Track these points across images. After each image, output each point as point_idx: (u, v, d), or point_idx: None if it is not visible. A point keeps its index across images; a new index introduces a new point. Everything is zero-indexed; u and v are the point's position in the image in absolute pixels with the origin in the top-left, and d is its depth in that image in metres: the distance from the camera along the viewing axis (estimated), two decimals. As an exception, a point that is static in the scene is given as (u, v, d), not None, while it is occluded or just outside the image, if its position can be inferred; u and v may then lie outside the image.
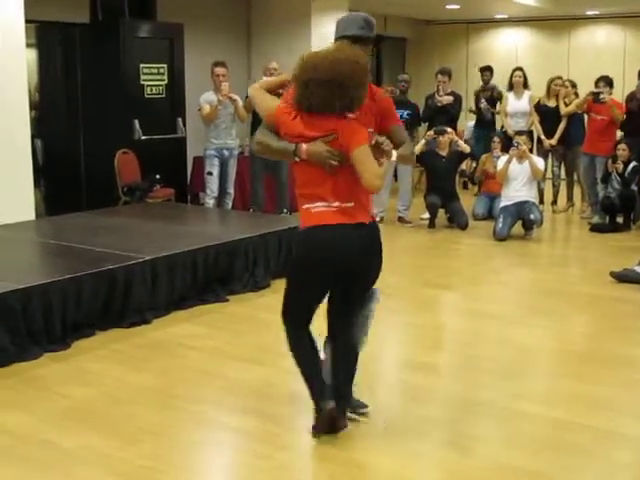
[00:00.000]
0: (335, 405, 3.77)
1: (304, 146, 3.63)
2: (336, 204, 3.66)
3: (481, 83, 11.46)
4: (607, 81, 9.74)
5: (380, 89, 4.13)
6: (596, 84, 9.89)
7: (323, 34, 11.03)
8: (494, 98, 11.10)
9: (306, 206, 3.70)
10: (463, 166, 10.73)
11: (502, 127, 10.65)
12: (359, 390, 4.02)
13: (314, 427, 3.85)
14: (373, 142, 3.70)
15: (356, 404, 4.05)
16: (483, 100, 11.05)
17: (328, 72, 3.57)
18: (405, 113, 9.45)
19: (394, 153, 3.78)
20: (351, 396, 3.96)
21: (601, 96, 9.38)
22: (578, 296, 6.66)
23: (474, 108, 11.50)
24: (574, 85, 10.23)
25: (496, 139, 10.01)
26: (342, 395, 3.85)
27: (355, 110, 3.68)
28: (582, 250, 8.69)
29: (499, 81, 11.16)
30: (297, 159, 3.66)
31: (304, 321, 3.86)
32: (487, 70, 11.43)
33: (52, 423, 4.01)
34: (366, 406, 4.09)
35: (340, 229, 3.64)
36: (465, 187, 11.95)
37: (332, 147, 3.62)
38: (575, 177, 10.37)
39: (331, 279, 3.76)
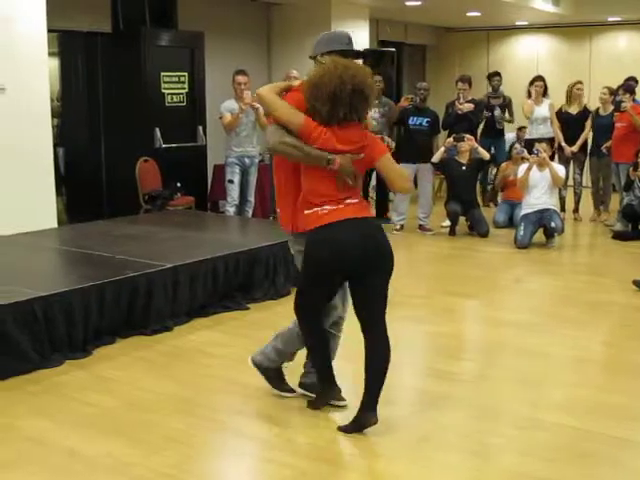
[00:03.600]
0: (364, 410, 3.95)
1: (338, 159, 3.78)
2: (342, 204, 3.87)
3: (489, 89, 11.38)
4: (628, 89, 9.69)
5: None
6: (617, 92, 9.85)
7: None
8: (505, 105, 11.05)
9: (314, 210, 3.87)
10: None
11: (518, 131, 10.57)
12: (381, 396, 4.01)
13: (343, 428, 4.00)
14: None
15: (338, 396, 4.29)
16: (497, 108, 10.98)
17: (354, 81, 3.74)
18: (425, 121, 9.45)
19: None
20: (378, 396, 4.01)
21: (623, 105, 9.34)
22: (600, 304, 6.61)
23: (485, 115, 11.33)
24: (612, 93, 10.09)
25: (517, 147, 9.98)
26: (369, 392, 3.97)
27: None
28: (604, 258, 8.64)
29: (521, 88, 11.10)
30: (328, 168, 3.81)
31: (320, 314, 4.09)
32: (496, 76, 11.33)
33: (74, 431, 4.03)
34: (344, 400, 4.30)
35: (350, 223, 3.84)
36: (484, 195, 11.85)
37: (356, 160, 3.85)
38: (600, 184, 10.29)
39: (348, 271, 3.91)
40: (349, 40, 4.11)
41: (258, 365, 4.42)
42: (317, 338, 4.15)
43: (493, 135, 11.03)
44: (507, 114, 11.14)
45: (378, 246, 3.89)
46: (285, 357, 4.41)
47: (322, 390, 4.25)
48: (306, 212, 3.91)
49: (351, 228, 3.83)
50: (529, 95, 10.30)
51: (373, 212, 4.16)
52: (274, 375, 4.43)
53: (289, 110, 3.89)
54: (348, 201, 3.87)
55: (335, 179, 3.83)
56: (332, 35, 4.21)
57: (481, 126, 11.13)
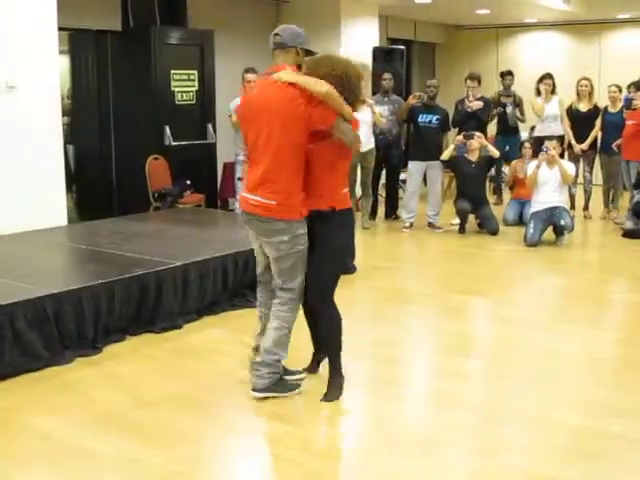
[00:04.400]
0: None
1: None
2: None
3: (501, 87, 11.36)
4: (638, 86, 9.66)
5: None
6: (627, 89, 9.81)
7: (352, 39, 11.07)
8: (517, 103, 11.03)
9: (345, 191, 4.31)
10: (493, 171, 10.71)
11: (531, 131, 10.57)
12: (391, 394, 4.01)
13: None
14: None
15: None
16: (509, 104, 10.97)
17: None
18: (434, 118, 9.43)
19: None
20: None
21: (634, 102, 9.31)
22: (610, 303, 6.60)
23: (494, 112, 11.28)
24: (621, 90, 10.07)
25: (527, 145, 9.97)
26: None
27: None
28: (614, 256, 8.61)
29: (530, 86, 11.08)
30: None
31: None
32: (509, 74, 11.34)
33: (85, 428, 4.04)
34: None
35: None
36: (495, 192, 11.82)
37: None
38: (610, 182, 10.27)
39: None
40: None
41: (266, 389, 4.37)
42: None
43: (508, 133, 11.02)
44: (518, 113, 11.12)
45: None
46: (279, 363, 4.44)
47: (341, 380, 4.39)
48: (344, 191, 4.29)
49: None
50: (538, 93, 10.28)
51: None
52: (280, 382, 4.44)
53: (345, 107, 4.15)
54: None
55: None
56: (302, 32, 4.45)
57: (495, 124, 11.13)
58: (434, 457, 3.75)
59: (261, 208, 4.19)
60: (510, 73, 11.37)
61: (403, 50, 11.81)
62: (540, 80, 10.30)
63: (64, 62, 9.39)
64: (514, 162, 10.09)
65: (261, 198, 4.17)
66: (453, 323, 6.03)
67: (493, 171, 10.79)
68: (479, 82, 10.01)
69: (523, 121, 11.28)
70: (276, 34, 4.31)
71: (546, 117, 10.22)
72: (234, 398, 4.47)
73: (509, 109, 10.91)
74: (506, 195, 11.09)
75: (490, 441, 3.95)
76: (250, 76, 8.65)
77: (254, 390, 4.33)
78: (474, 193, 9.21)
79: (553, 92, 10.23)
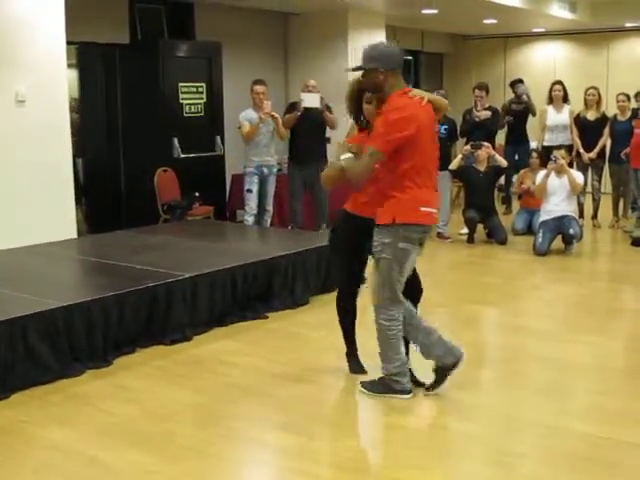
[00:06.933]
0: None
1: None
2: None
3: (512, 96, 11.36)
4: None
5: None
6: (635, 98, 9.79)
7: (360, 51, 11.07)
8: (526, 110, 10.99)
9: None
10: (501, 181, 10.69)
11: (540, 142, 10.56)
12: (403, 405, 4.00)
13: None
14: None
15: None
16: (523, 91, 10.96)
17: None
18: (442, 128, 9.42)
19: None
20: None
21: (640, 111, 9.31)
22: (621, 312, 6.58)
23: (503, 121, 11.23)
24: (629, 98, 10.05)
25: (534, 154, 9.96)
26: None
27: None
28: (624, 265, 8.58)
29: (537, 95, 11.08)
30: None
31: None
32: (519, 83, 11.34)
33: (96, 440, 4.05)
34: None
35: None
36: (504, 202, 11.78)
37: None
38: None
39: None
40: None
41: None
42: None
43: (517, 142, 11.00)
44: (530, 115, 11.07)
45: None
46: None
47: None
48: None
49: None
50: (550, 101, 10.28)
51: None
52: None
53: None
54: None
55: None
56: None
57: (505, 133, 11.11)
58: (447, 467, 3.74)
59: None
60: (521, 81, 11.36)
61: (411, 61, 11.84)
62: (551, 88, 10.32)
63: (72, 75, 9.43)
64: (522, 171, 10.08)
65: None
66: (463, 333, 6.00)
67: (502, 180, 10.78)
68: (487, 92, 10.01)
69: (534, 114, 11.10)
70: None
71: (555, 127, 10.21)
72: (245, 409, 4.47)
73: (508, 118, 10.83)
74: (515, 204, 11.08)
75: (503, 451, 3.93)
76: (259, 88, 8.69)
77: None
78: (482, 203, 9.20)
79: (565, 100, 10.23)
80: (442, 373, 4.51)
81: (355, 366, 4.86)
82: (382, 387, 4.50)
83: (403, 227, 4.29)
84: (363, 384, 4.59)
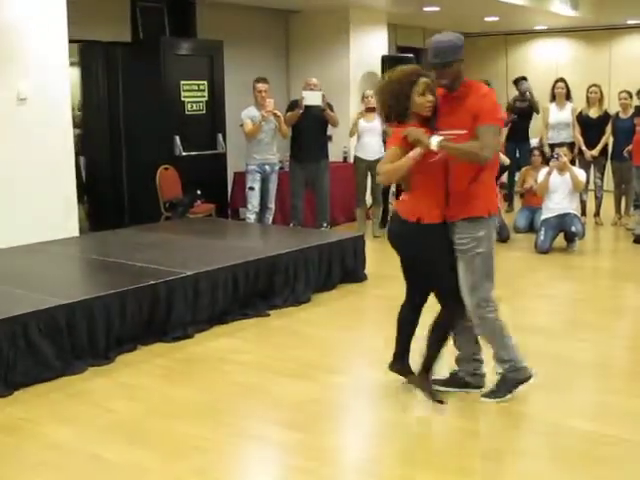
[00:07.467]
0: None
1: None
2: None
3: (517, 93, 11.36)
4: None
5: None
6: (637, 95, 9.78)
7: (362, 48, 11.09)
8: (530, 108, 10.98)
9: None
10: (504, 179, 10.68)
11: (540, 140, 10.55)
12: (401, 403, 4.01)
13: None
14: None
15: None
16: (528, 92, 10.97)
17: None
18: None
19: None
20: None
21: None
22: (623, 309, 6.57)
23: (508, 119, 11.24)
24: (632, 95, 10.03)
25: (536, 152, 9.94)
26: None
27: None
28: (626, 262, 8.58)
29: (539, 93, 11.06)
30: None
31: None
32: (523, 80, 11.33)
33: (98, 437, 4.05)
34: None
35: None
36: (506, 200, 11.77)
37: None
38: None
39: None
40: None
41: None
42: None
43: (518, 140, 10.99)
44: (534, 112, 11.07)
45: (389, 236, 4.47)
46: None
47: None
48: None
49: None
50: (553, 98, 10.27)
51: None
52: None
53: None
54: None
55: None
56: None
57: (507, 130, 11.08)
58: (449, 465, 3.73)
59: None
60: (524, 78, 11.34)
61: (412, 58, 11.81)
62: (553, 85, 10.31)
63: (74, 74, 9.43)
64: (524, 169, 10.06)
65: None
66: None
67: (504, 178, 10.77)
68: (489, 89, 9.98)
69: (537, 111, 11.11)
70: None
71: (557, 124, 10.19)
72: (246, 407, 4.47)
73: (512, 117, 10.84)
74: (517, 202, 11.07)
75: (506, 448, 3.93)
76: (261, 86, 8.69)
77: None
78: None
79: (568, 98, 10.22)
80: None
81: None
82: (507, 386, 4.46)
83: (494, 218, 4.32)
84: (486, 395, 4.47)
